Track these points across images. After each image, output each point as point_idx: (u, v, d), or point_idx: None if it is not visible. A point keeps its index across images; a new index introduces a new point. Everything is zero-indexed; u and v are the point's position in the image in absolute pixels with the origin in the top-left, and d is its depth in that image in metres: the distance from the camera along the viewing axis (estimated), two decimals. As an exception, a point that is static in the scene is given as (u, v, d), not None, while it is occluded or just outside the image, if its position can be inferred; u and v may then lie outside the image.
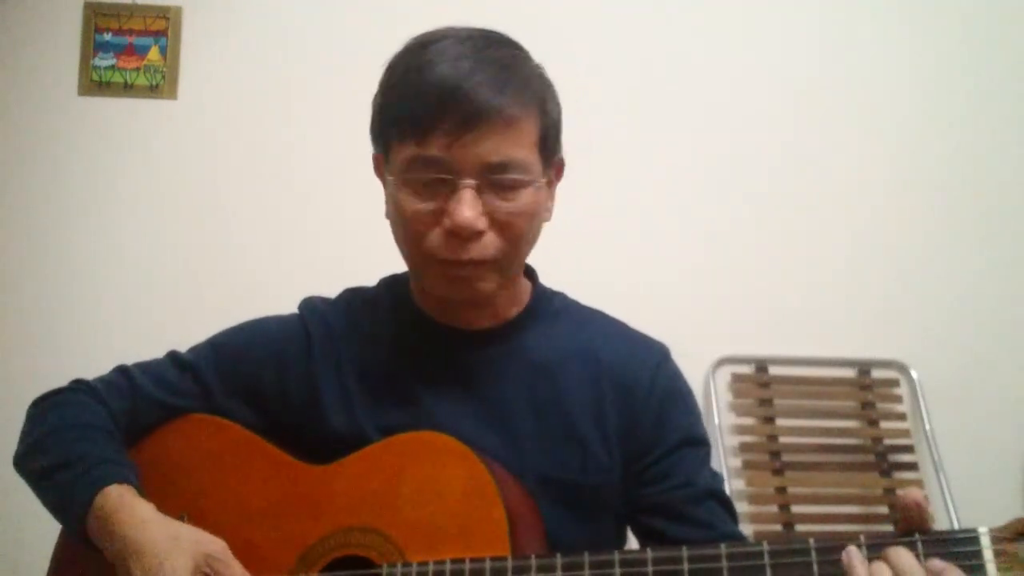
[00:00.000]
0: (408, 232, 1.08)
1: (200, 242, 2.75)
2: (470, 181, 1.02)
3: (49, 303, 2.73)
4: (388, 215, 1.12)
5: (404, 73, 1.06)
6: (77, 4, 2.81)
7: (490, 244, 1.05)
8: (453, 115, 1.00)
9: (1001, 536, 0.79)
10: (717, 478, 1.15)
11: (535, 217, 1.08)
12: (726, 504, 1.14)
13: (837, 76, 2.88)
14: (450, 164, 1.02)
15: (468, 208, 1.01)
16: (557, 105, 1.11)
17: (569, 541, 1.04)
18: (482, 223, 1.03)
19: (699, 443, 1.16)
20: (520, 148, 1.04)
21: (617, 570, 0.92)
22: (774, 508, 2.63)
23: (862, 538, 0.82)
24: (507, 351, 1.14)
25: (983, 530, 0.80)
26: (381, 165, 1.12)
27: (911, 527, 0.84)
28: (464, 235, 1.03)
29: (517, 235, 1.07)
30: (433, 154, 1.02)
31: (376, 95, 1.11)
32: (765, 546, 0.87)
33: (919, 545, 0.80)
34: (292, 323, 1.22)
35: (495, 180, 1.03)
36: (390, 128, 1.07)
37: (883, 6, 2.90)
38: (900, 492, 0.88)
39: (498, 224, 1.04)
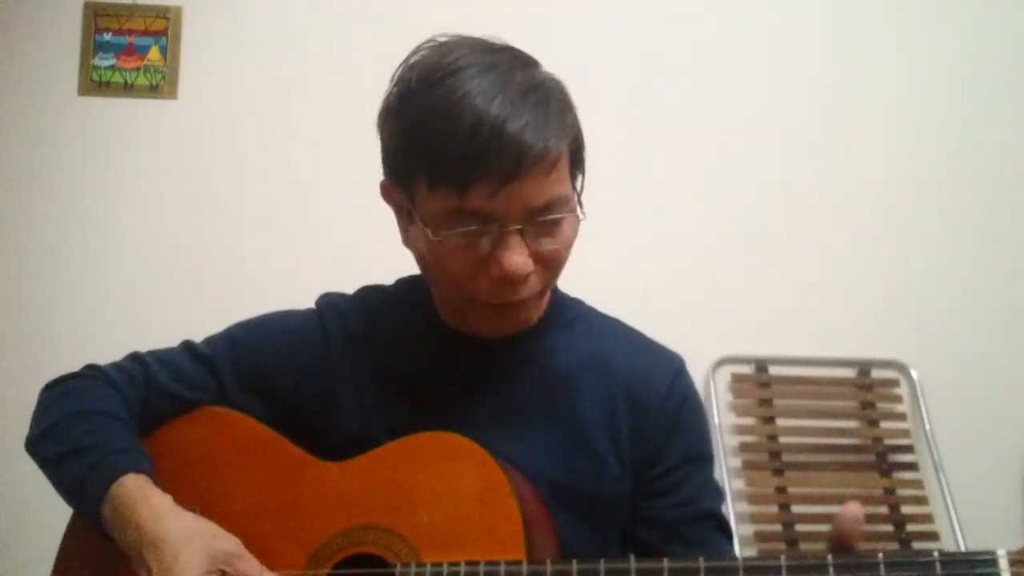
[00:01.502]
0: (449, 279, 1.05)
1: (200, 242, 2.75)
2: (516, 227, 0.98)
3: (50, 303, 2.72)
4: (408, 246, 1.09)
5: (431, 111, 0.97)
6: (77, 4, 2.80)
7: (537, 280, 1.03)
8: (497, 166, 0.94)
9: (1019, 558, 0.79)
10: (719, 497, 1.16)
11: (575, 237, 1.06)
12: (723, 525, 1.15)
13: (837, 76, 2.88)
14: (493, 214, 0.97)
15: (517, 255, 0.98)
16: (576, 111, 1.07)
17: (579, 549, 1.03)
18: (530, 265, 1.00)
19: (705, 459, 1.17)
20: (560, 184, 1.00)
21: (633, 578, 0.92)
22: (774, 508, 2.64)
23: (881, 555, 0.82)
24: (524, 358, 1.14)
25: (1001, 552, 0.80)
26: (393, 195, 1.08)
27: (840, 541, 0.87)
28: (515, 281, 1.01)
29: (560, 264, 1.06)
30: (474, 207, 0.97)
31: (392, 123, 1.04)
32: (783, 560, 0.87)
33: (938, 565, 0.81)
34: (310, 319, 1.20)
35: (539, 221, 1.00)
36: (418, 173, 1.00)
37: (883, 6, 2.91)
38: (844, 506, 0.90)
39: (543, 259, 1.02)
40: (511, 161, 0.94)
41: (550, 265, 1.04)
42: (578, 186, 1.07)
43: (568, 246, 1.05)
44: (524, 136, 0.95)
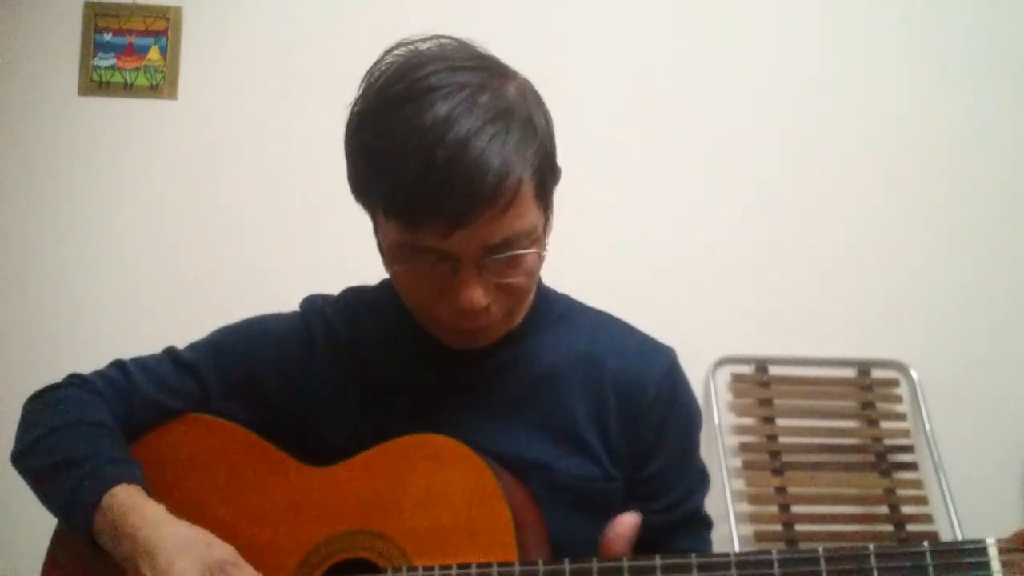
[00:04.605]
0: (411, 304, 1.06)
1: (200, 242, 2.76)
2: (471, 261, 0.96)
3: (49, 303, 2.73)
4: (379, 251, 1.08)
5: (386, 143, 0.94)
6: (77, 4, 2.81)
7: (498, 308, 1.02)
8: (447, 209, 0.91)
9: (1008, 547, 0.79)
10: (702, 487, 1.17)
11: (539, 268, 1.04)
12: (705, 519, 1.17)
13: (837, 76, 2.88)
14: (447, 251, 0.95)
15: (472, 290, 0.97)
16: (547, 122, 1.02)
17: (575, 545, 1.02)
18: (488, 298, 0.99)
19: (694, 454, 1.17)
20: (520, 218, 0.96)
21: (626, 577, 0.92)
22: (774, 508, 2.64)
23: (872, 547, 0.82)
24: (510, 359, 1.12)
25: (991, 540, 0.80)
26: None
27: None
28: (474, 313, 1.00)
29: (523, 293, 1.05)
30: (426, 244, 0.95)
31: (350, 145, 1.02)
32: (774, 554, 0.87)
33: (928, 555, 0.81)
34: (294, 323, 1.19)
35: (497, 257, 0.97)
36: (374, 197, 0.98)
37: (883, 7, 2.91)
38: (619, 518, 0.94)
39: (504, 289, 1.01)
40: (461, 203, 0.91)
41: (512, 295, 1.03)
42: (548, 213, 1.04)
43: (531, 276, 1.03)
44: (476, 175, 0.90)
